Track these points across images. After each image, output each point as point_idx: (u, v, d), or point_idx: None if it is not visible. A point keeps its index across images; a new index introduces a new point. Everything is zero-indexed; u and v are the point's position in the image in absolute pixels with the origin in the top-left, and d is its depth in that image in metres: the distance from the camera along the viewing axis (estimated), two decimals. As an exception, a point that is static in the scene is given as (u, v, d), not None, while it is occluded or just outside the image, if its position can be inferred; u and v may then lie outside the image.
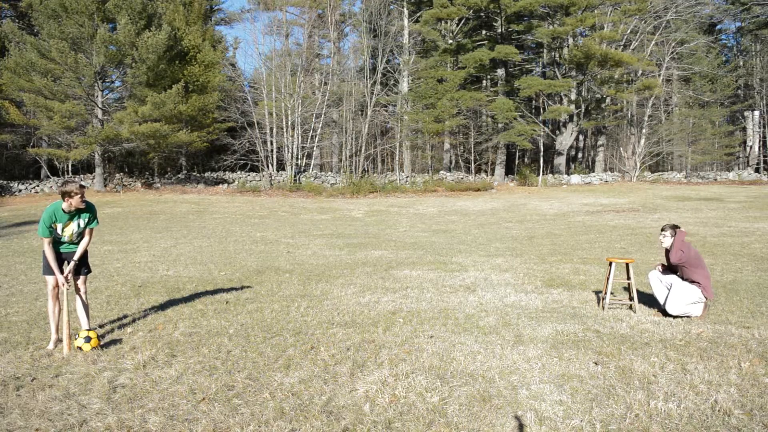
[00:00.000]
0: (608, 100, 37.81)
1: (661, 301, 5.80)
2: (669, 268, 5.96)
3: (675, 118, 41.93)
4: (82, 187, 4.70)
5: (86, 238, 4.87)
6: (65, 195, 4.61)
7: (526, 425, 3.22)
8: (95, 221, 4.93)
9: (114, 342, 4.84)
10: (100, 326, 5.40)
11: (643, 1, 33.91)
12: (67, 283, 4.74)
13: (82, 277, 4.96)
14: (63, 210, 4.68)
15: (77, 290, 4.96)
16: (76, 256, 4.82)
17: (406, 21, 38.18)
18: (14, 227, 16.32)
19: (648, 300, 6.39)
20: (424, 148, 41.28)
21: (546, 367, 4.16)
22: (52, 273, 4.75)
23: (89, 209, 4.85)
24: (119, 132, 25.31)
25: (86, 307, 4.98)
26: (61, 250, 4.85)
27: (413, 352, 4.51)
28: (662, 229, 5.91)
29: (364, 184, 30.03)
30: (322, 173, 34.61)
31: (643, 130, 38.63)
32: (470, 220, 18.92)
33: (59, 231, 4.75)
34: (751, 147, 41.98)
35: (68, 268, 4.77)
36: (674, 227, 5.85)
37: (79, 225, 4.80)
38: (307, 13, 37.82)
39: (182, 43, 29.11)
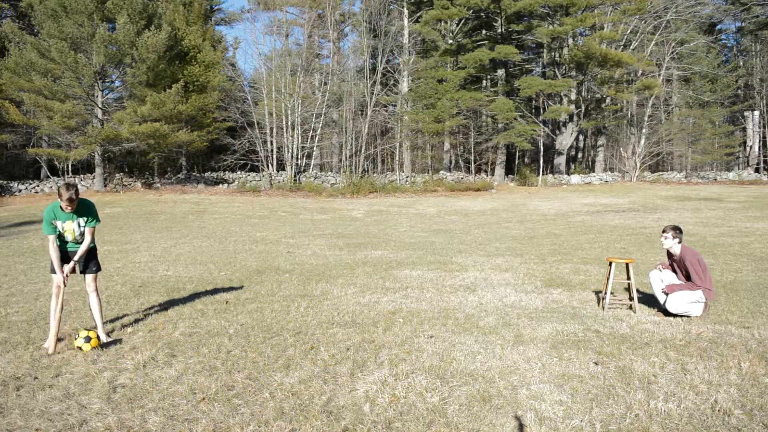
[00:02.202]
0: (608, 100, 37.82)
1: (662, 301, 5.80)
2: (672, 270, 5.96)
3: (675, 118, 41.95)
4: (73, 194, 4.59)
5: (87, 238, 4.88)
6: (58, 194, 4.67)
7: (526, 425, 3.22)
8: (95, 220, 4.93)
9: (114, 342, 4.84)
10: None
11: (643, 1, 33.92)
12: (65, 284, 4.76)
13: (90, 276, 4.97)
14: (61, 208, 4.71)
15: (88, 290, 4.99)
16: (75, 257, 4.84)
17: (406, 21, 38.19)
18: (14, 227, 16.32)
19: (648, 300, 6.39)
20: (424, 148, 41.30)
21: (546, 367, 4.16)
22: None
23: (88, 209, 4.86)
24: (119, 132, 25.31)
25: (99, 306, 5.00)
26: (68, 249, 4.89)
27: (413, 352, 4.50)
28: (663, 231, 5.91)
29: (364, 184, 30.03)
30: (322, 173, 34.61)
31: (643, 130, 38.64)
32: (470, 220, 18.92)
33: (60, 230, 4.79)
34: (751, 147, 41.98)
35: (67, 267, 4.78)
36: (675, 228, 5.85)
37: (79, 224, 4.83)
38: (307, 13, 37.83)
39: (182, 43, 29.11)
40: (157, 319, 5.63)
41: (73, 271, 4.95)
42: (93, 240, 4.97)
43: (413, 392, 3.69)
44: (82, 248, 4.85)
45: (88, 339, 4.55)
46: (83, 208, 4.81)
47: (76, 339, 4.60)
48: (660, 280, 5.90)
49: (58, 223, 4.76)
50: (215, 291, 7.10)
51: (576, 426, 3.21)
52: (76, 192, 4.66)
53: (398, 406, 3.49)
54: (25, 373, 4.11)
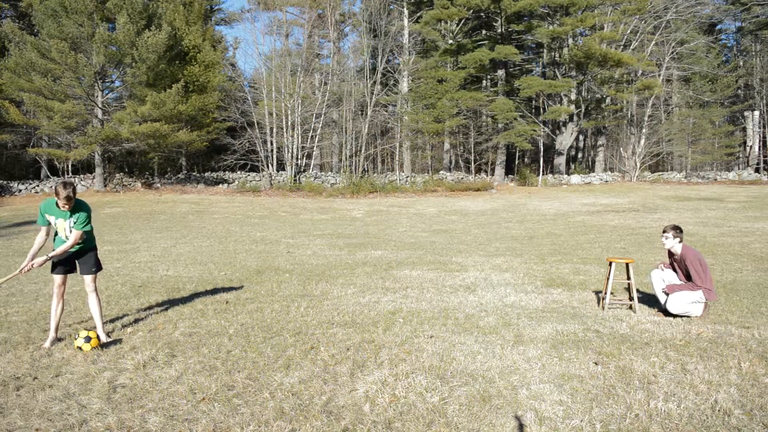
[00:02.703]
0: (608, 100, 37.82)
1: (662, 301, 5.80)
2: (673, 269, 5.95)
3: (675, 118, 41.95)
4: (70, 192, 4.59)
5: (70, 240, 4.76)
6: (55, 193, 4.64)
7: (526, 425, 3.22)
8: (84, 224, 4.79)
9: (114, 342, 4.84)
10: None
11: (643, 1, 33.92)
12: (26, 269, 4.64)
13: (89, 276, 4.97)
14: (57, 206, 4.70)
15: (87, 290, 4.99)
16: (51, 253, 4.76)
17: (406, 21, 38.19)
18: (14, 227, 16.32)
19: (648, 300, 6.39)
20: (424, 148, 41.30)
21: (546, 367, 4.16)
22: (58, 272, 4.82)
23: (84, 211, 4.80)
24: (119, 132, 25.31)
25: (99, 306, 4.99)
26: (55, 247, 4.88)
27: (413, 352, 4.50)
28: (663, 231, 5.90)
29: (364, 184, 30.03)
30: (322, 173, 34.61)
31: (643, 130, 38.64)
32: (470, 220, 18.92)
33: (54, 225, 4.80)
34: (751, 147, 41.98)
35: (38, 261, 4.67)
36: (675, 228, 5.84)
37: (70, 225, 4.81)
38: (307, 13, 37.81)
39: (182, 43, 29.11)
40: (157, 319, 5.63)
41: (73, 270, 4.94)
42: (81, 243, 4.88)
43: (413, 392, 3.69)
44: (61, 248, 4.74)
45: (88, 339, 4.55)
46: (77, 210, 4.77)
47: (76, 339, 4.60)
48: (661, 279, 5.90)
49: (52, 219, 4.76)
50: (215, 291, 7.10)
51: (576, 426, 3.21)
52: (74, 191, 4.63)
53: (398, 406, 3.49)
54: (25, 373, 4.11)
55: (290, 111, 31.40)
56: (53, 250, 4.82)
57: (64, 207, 4.64)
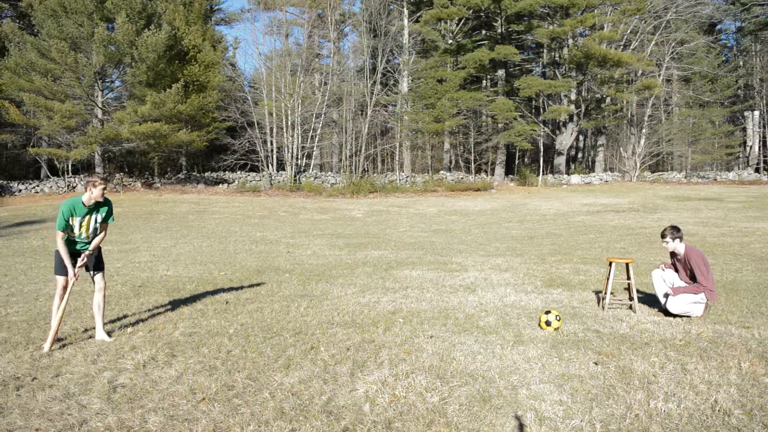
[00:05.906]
0: (608, 100, 37.82)
1: (662, 301, 5.80)
2: (675, 269, 5.94)
3: (675, 118, 41.97)
4: (106, 180, 4.82)
5: (102, 233, 4.98)
6: (89, 183, 4.71)
7: (526, 425, 3.22)
8: (111, 217, 5.05)
9: (114, 342, 4.83)
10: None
11: (643, 1, 33.93)
12: (76, 278, 4.79)
13: (99, 275, 5.01)
14: (83, 203, 4.75)
15: (96, 287, 5.02)
16: (91, 246, 4.90)
17: (406, 21, 38.18)
18: (14, 227, 16.32)
19: (648, 300, 6.39)
20: (424, 148, 41.29)
21: (546, 367, 4.16)
22: (63, 273, 4.81)
23: (107, 204, 4.95)
24: (119, 132, 25.31)
25: (104, 305, 5.03)
26: (76, 249, 4.90)
27: (413, 352, 4.50)
28: (662, 236, 5.86)
29: (364, 184, 30.03)
30: (322, 173, 34.61)
31: (643, 130, 38.65)
32: (470, 220, 18.92)
33: (76, 228, 4.79)
34: (751, 147, 42.00)
35: (81, 258, 4.82)
36: (674, 229, 5.82)
37: (96, 220, 4.88)
38: (307, 13, 37.82)
39: (182, 42, 29.11)
40: (157, 319, 5.63)
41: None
42: (89, 240, 4.97)
43: (413, 392, 3.69)
44: (97, 240, 4.93)
45: (558, 318, 5.10)
46: (104, 203, 4.89)
47: (547, 314, 5.14)
48: (662, 279, 5.88)
49: (76, 220, 4.77)
50: (215, 291, 7.10)
51: (576, 426, 3.21)
52: (106, 180, 4.81)
53: (398, 406, 3.49)
54: (25, 373, 4.11)
55: (290, 111, 31.40)
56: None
57: (100, 198, 4.75)
